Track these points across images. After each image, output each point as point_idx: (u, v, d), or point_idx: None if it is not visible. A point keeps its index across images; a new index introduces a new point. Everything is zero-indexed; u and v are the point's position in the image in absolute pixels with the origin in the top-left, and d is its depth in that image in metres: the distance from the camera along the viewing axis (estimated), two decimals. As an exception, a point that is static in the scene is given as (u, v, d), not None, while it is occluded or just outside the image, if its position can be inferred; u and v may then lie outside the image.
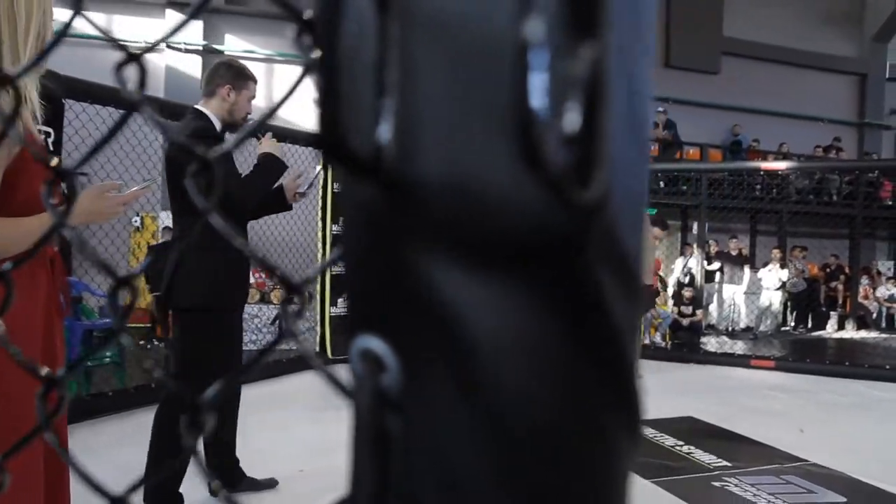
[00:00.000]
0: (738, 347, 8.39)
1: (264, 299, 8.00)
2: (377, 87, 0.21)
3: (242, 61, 2.86)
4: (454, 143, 0.20)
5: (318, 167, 5.86)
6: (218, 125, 2.58)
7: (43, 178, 1.52)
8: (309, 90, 0.24)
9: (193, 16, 0.31)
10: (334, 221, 6.16)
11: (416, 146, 0.21)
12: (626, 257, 0.22)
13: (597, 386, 0.22)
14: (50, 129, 3.74)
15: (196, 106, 2.65)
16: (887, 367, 6.94)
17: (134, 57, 0.31)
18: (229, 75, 2.62)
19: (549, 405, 0.21)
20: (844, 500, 3.17)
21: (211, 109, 2.59)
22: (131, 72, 0.32)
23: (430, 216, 0.20)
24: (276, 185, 2.84)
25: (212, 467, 2.81)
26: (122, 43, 0.33)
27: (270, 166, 2.68)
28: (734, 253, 10.11)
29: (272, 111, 0.33)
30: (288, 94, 0.29)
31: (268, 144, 2.72)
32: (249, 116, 2.69)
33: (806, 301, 11.10)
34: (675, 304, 9.32)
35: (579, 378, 0.22)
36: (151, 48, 0.34)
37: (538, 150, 0.18)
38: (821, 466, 3.62)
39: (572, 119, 0.18)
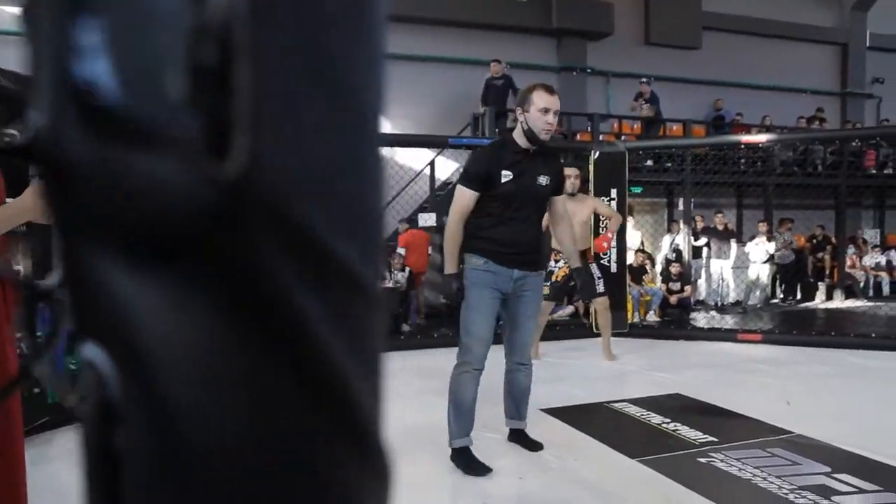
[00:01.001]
0: (727, 322, 8.40)
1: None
2: (35, 64, 0.17)
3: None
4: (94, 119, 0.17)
5: None
6: None
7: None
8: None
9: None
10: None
11: (64, 126, 0.17)
12: (315, 240, 0.18)
13: (288, 390, 0.19)
14: (16, 132, 3.69)
15: None
16: (873, 335, 6.97)
17: None
18: None
19: (233, 419, 0.18)
20: (829, 469, 3.17)
21: None
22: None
23: (87, 205, 0.17)
24: None
25: None
26: None
27: None
28: (720, 228, 10.12)
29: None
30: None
31: None
32: None
33: (793, 273, 11.13)
34: (663, 281, 9.33)
35: (264, 383, 0.18)
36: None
37: (97, 118, 0.15)
38: (806, 437, 3.63)
39: (186, 79, 0.15)
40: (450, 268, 3.28)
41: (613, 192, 7.18)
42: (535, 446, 3.53)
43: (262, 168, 0.17)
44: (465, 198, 3.23)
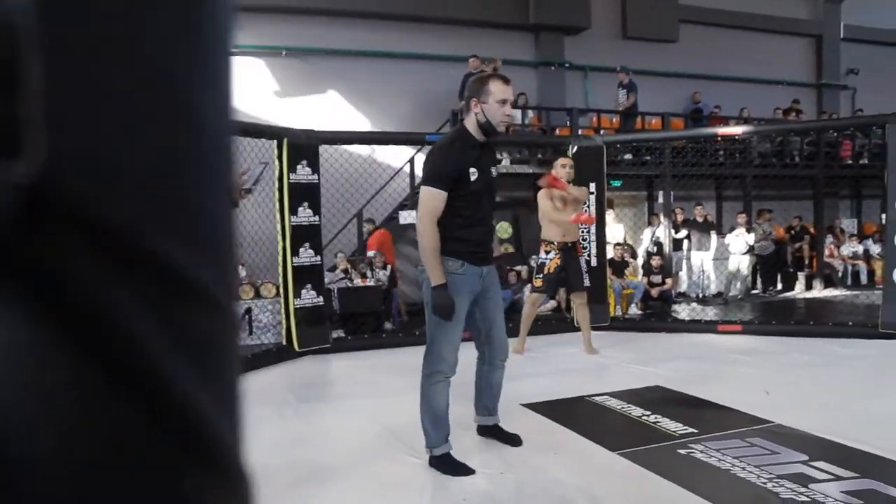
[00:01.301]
0: (708, 314, 8.45)
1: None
2: None
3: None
4: None
5: (263, 163, 5.74)
6: None
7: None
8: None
9: None
10: (292, 212, 6.07)
11: None
12: (132, 245, 0.16)
13: (120, 408, 0.17)
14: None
15: None
16: (850, 323, 7.05)
17: None
18: None
19: (57, 432, 0.16)
20: (806, 457, 3.19)
21: None
22: None
23: None
24: None
25: None
26: None
27: None
28: (700, 220, 10.18)
29: None
30: None
31: None
32: None
33: (773, 263, 11.23)
34: (644, 274, 9.37)
35: (89, 397, 0.17)
36: None
37: None
38: (785, 427, 3.65)
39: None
40: (437, 278, 3.05)
41: (592, 186, 7.19)
42: (513, 440, 3.51)
43: (62, 168, 0.15)
44: (435, 199, 3.05)
